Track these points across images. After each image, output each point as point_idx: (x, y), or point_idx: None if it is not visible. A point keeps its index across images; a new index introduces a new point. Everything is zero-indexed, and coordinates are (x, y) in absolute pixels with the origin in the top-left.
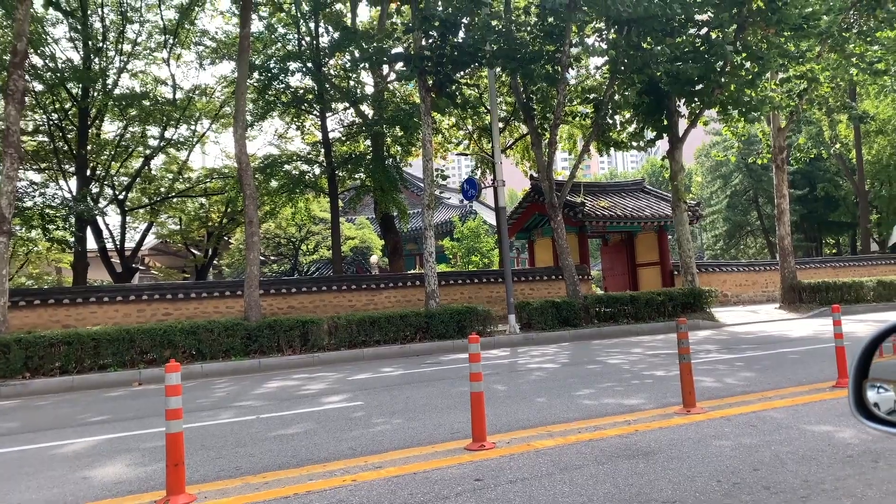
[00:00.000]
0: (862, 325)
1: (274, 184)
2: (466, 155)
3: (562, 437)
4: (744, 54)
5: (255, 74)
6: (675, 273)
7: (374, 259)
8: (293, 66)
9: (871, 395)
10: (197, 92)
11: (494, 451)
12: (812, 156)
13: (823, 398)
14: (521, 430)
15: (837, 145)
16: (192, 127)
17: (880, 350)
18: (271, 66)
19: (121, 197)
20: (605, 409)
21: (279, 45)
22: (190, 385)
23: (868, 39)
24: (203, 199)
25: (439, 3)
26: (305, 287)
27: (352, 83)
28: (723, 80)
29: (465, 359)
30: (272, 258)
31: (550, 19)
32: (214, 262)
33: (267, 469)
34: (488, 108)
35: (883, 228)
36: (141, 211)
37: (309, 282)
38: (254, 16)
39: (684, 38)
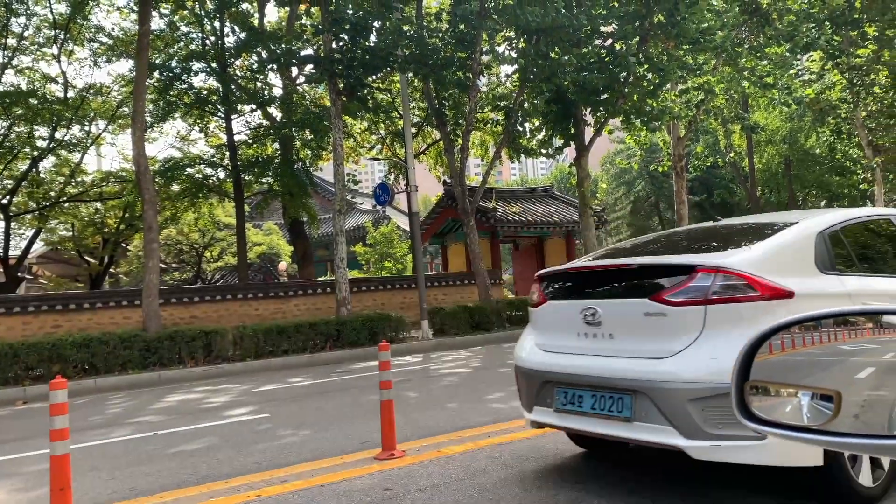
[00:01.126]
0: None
1: (175, 188)
2: (379, 160)
3: (472, 441)
4: (646, 66)
5: (156, 74)
6: None
7: (282, 266)
8: (196, 66)
9: (753, 397)
10: (92, 91)
11: (404, 459)
12: (709, 164)
13: None
14: (432, 437)
15: (732, 154)
16: (87, 128)
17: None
18: (173, 65)
19: (4, 201)
20: (515, 411)
21: (181, 43)
22: (82, 402)
23: (758, 55)
24: (98, 204)
25: (350, 5)
26: (209, 296)
27: (259, 85)
28: (626, 90)
29: (377, 366)
30: (174, 266)
31: (462, 26)
32: (111, 270)
33: (165, 488)
34: (401, 112)
35: None
36: (28, 216)
37: (213, 290)
38: (154, 13)
39: (590, 48)
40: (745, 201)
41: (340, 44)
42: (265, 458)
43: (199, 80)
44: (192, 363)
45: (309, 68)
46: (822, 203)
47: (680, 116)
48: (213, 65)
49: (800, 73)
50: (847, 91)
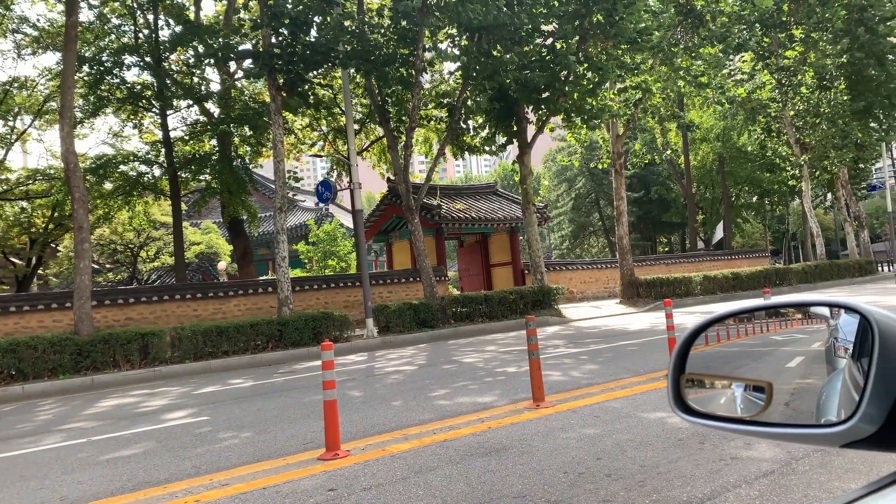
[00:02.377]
0: (691, 316)
1: (108, 186)
2: (321, 156)
3: (417, 439)
4: (585, 65)
5: (86, 67)
6: (526, 272)
7: (222, 265)
8: (129, 59)
9: (688, 390)
10: (16, 85)
11: (349, 458)
12: (647, 161)
13: (658, 387)
14: (376, 436)
15: (668, 151)
16: (10, 123)
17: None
18: (104, 59)
19: None
20: (460, 408)
21: (113, 36)
22: (9, 409)
23: (693, 55)
24: (25, 203)
25: (289, 0)
26: (145, 297)
27: (196, 80)
28: (567, 88)
29: (320, 366)
30: (107, 266)
31: (404, 22)
32: (39, 271)
33: (98, 496)
34: (343, 109)
35: (707, 228)
36: None
37: (149, 291)
38: (83, 4)
39: (532, 47)
40: (682, 197)
41: (280, 38)
42: (205, 461)
43: (132, 75)
44: (128, 366)
45: (247, 63)
46: (754, 199)
47: (618, 115)
48: (147, 59)
49: (732, 73)
50: (776, 91)
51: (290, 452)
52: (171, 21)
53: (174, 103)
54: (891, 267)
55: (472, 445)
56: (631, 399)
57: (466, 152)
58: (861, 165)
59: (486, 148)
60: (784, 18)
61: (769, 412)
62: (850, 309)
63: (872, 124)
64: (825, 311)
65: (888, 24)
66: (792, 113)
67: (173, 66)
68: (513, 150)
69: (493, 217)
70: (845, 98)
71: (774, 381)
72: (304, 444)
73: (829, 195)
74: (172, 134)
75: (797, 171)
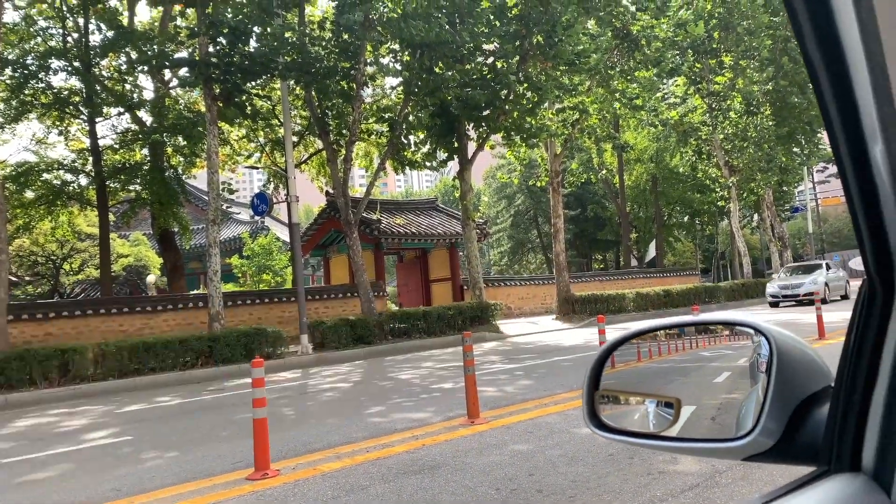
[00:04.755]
0: (623, 332)
1: (30, 194)
2: (257, 168)
3: (350, 458)
4: (525, 84)
5: (8, 70)
6: (465, 288)
7: (151, 279)
8: (56, 63)
9: (604, 406)
10: None
11: (278, 478)
12: (583, 180)
13: None
14: (308, 455)
15: (604, 171)
16: None
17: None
18: (28, 62)
19: None
20: (394, 425)
21: (39, 39)
22: None
23: (629, 78)
24: None
25: (228, 9)
26: (67, 311)
27: (128, 87)
28: (507, 107)
29: (251, 383)
30: (27, 279)
31: (346, 36)
32: None
33: None
34: (282, 120)
35: (641, 246)
36: None
37: (71, 305)
38: (7, 4)
39: (473, 65)
40: (617, 216)
41: (218, 48)
42: (126, 483)
43: (59, 80)
44: (47, 384)
45: (183, 71)
46: (685, 218)
47: (556, 134)
48: (76, 63)
49: (665, 96)
50: (707, 115)
51: (218, 472)
52: (102, 26)
53: (104, 110)
54: None
55: (405, 463)
56: (564, 415)
57: (407, 167)
58: (785, 188)
59: (427, 163)
60: (715, 46)
61: (677, 427)
62: (753, 328)
63: (795, 149)
64: (747, 329)
65: None
66: (721, 136)
67: (104, 73)
68: (454, 166)
69: (434, 233)
70: (771, 123)
71: (698, 408)
72: (232, 463)
73: (756, 216)
74: (101, 142)
75: (726, 193)
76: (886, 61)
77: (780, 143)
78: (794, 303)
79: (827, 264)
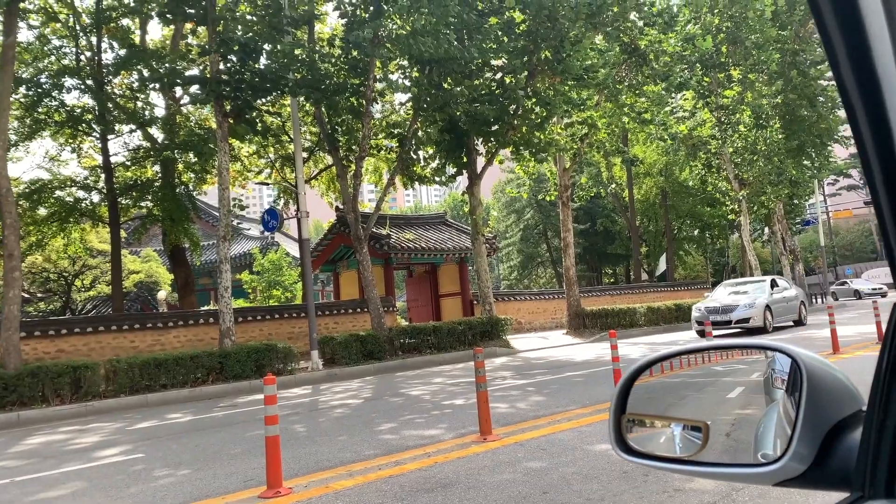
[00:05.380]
0: (635, 347)
1: (43, 211)
2: (268, 184)
3: (362, 475)
4: (534, 99)
5: (22, 89)
6: (475, 302)
7: (162, 295)
8: (70, 82)
9: (630, 430)
10: None
11: (290, 496)
12: (592, 194)
13: (604, 418)
14: (320, 472)
15: (613, 185)
16: None
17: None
18: (42, 80)
19: None
20: (406, 442)
21: (52, 58)
22: None
23: (637, 92)
24: None
25: (239, 27)
26: (79, 327)
27: (140, 104)
28: (516, 122)
29: (263, 400)
30: (39, 295)
31: (355, 53)
32: None
33: None
34: (291, 136)
35: (651, 260)
36: None
37: (83, 321)
38: (22, 24)
39: (482, 81)
40: (626, 230)
41: (228, 65)
42: (139, 501)
43: (72, 98)
44: (58, 401)
45: (194, 89)
46: (696, 232)
47: (565, 149)
48: (89, 81)
49: (674, 110)
50: (716, 128)
51: (230, 491)
52: (115, 44)
53: (116, 128)
54: (823, 299)
55: (417, 481)
56: (577, 431)
57: (416, 182)
58: (795, 201)
59: (437, 178)
60: (723, 59)
61: (706, 452)
62: (781, 352)
63: (805, 162)
64: (778, 353)
65: (818, 67)
66: (731, 150)
67: (116, 90)
68: (463, 180)
69: (443, 247)
70: (780, 137)
71: (712, 420)
72: (244, 481)
73: (766, 229)
74: (113, 159)
75: (736, 206)
76: None
77: (790, 157)
78: (726, 331)
79: (774, 280)
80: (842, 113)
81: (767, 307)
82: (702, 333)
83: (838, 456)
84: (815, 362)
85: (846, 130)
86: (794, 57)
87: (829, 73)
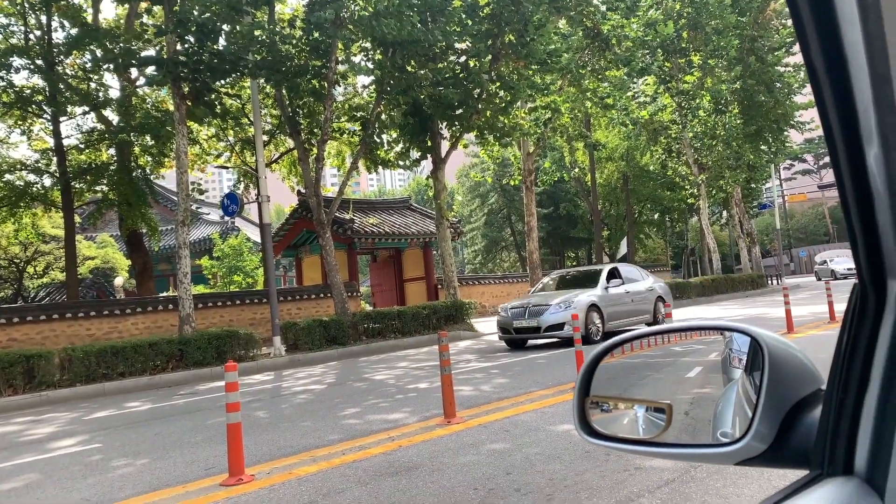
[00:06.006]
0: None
1: None
2: (227, 168)
3: (326, 461)
4: (498, 83)
5: None
6: (439, 287)
7: (119, 281)
8: (18, 62)
9: (593, 411)
10: None
11: (253, 483)
12: (556, 178)
13: (566, 399)
14: (283, 459)
15: (576, 170)
16: None
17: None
18: None
19: None
20: (370, 427)
21: (0, 37)
22: None
23: (600, 77)
24: None
25: (196, 7)
26: (32, 315)
27: (93, 85)
28: (480, 106)
29: (224, 387)
30: None
31: (316, 34)
32: None
33: None
34: (252, 119)
35: (612, 243)
36: None
37: (36, 309)
38: None
39: (446, 64)
40: (588, 214)
41: (186, 46)
42: (96, 492)
43: (20, 78)
44: (11, 392)
45: (151, 70)
46: (656, 215)
47: (529, 133)
48: (39, 62)
49: (636, 95)
50: (676, 113)
51: (191, 479)
52: (66, 23)
53: (68, 109)
54: (779, 281)
55: (382, 465)
56: (540, 412)
57: (380, 166)
58: (753, 185)
59: (401, 162)
60: (684, 45)
61: (668, 433)
62: (743, 333)
63: (763, 147)
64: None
65: (776, 53)
66: (691, 135)
67: (68, 71)
68: (427, 165)
69: (407, 232)
70: (738, 122)
71: (674, 400)
72: (206, 469)
73: (725, 213)
74: (66, 142)
75: (695, 190)
76: (890, 70)
77: (748, 141)
78: (539, 341)
79: (615, 270)
80: (798, 98)
81: (594, 307)
82: (511, 343)
83: (798, 435)
84: (776, 342)
85: (802, 115)
86: (752, 43)
87: (787, 60)
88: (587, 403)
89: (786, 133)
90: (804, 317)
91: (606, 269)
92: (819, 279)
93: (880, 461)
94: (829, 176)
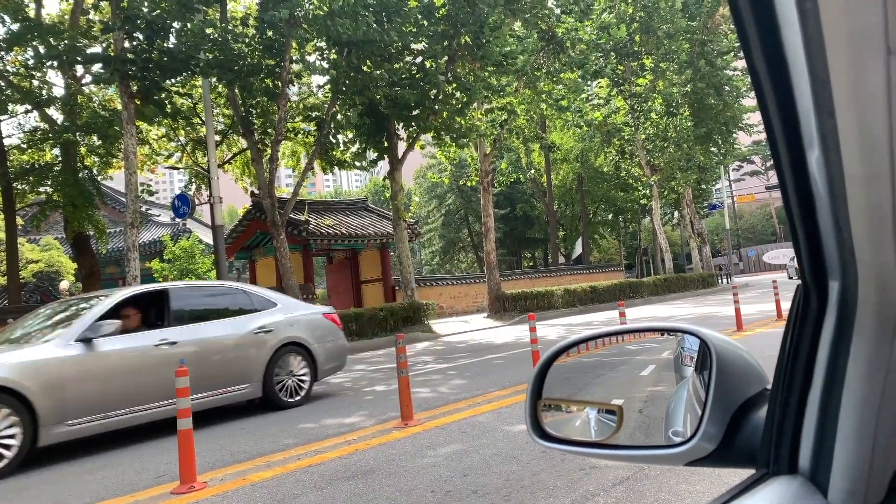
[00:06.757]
0: (553, 329)
1: None
2: (178, 168)
3: (281, 466)
4: (454, 84)
5: None
6: (397, 288)
7: (64, 285)
8: None
9: (545, 414)
10: None
11: (206, 490)
12: (512, 179)
13: (522, 399)
14: (237, 465)
15: (532, 171)
16: None
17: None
18: None
19: None
20: (326, 431)
21: None
22: None
23: (554, 79)
24: None
25: (145, 3)
26: None
27: (36, 83)
28: (437, 107)
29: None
30: None
31: (270, 33)
32: None
33: None
34: (203, 119)
35: (568, 243)
36: None
37: None
38: None
39: (402, 64)
40: (545, 214)
41: (134, 43)
42: (39, 503)
43: None
44: None
45: (97, 67)
46: (610, 216)
47: (486, 134)
48: None
49: (590, 97)
50: (629, 116)
51: (140, 488)
52: (6, 17)
53: (9, 108)
54: (728, 279)
55: (338, 469)
56: (497, 413)
57: (336, 167)
58: (703, 186)
59: (357, 163)
60: (636, 48)
61: (620, 434)
62: (691, 334)
63: (713, 149)
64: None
65: (724, 58)
66: (643, 136)
67: (9, 68)
68: (384, 165)
69: (364, 233)
70: (689, 124)
71: (626, 399)
72: (155, 477)
73: (676, 213)
74: (7, 141)
75: (648, 191)
76: (829, 73)
77: (699, 143)
78: None
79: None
80: (745, 102)
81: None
82: None
83: (745, 434)
84: (723, 343)
85: (750, 118)
86: (702, 47)
87: (735, 64)
88: (539, 406)
89: (734, 135)
90: (753, 315)
91: (99, 300)
92: (791, 277)
93: (823, 459)
94: (775, 178)
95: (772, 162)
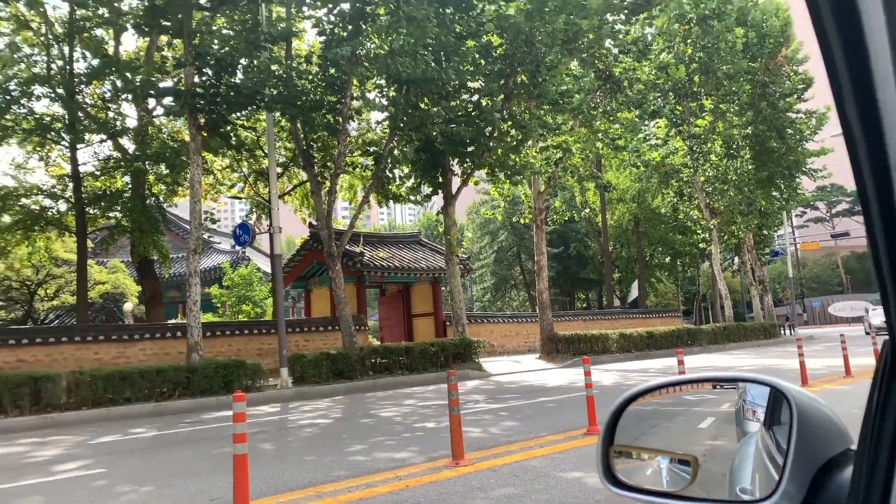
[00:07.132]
0: (608, 374)
1: (7, 219)
2: (240, 198)
3: (331, 497)
4: (510, 122)
5: None
6: (448, 323)
7: (128, 307)
8: (40, 90)
9: (616, 461)
10: None
11: None
12: (566, 218)
13: (577, 445)
14: (288, 493)
15: (587, 210)
16: None
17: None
18: (11, 87)
19: None
20: (376, 465)
21: (23, 65)
22: None
23: (611, 118)
24: None
25: (215, 41)
26: (41, 337)
27: (111, 114)
28: (491, 143)
29: (230, 416)
30: (0, 304)
31: (332, 70)
32: None
33: None
34: (266, 151)
35: (623, 286)
36: None
37: (46, 331)
38: None
39: (458, 102)
40: (599, 255)
41: (203, 78)
42: None
43: (41, 106)
44: (17, 412)
45: (168, 101)
46: (667, 259)
47: (540, 172)
48: (59, 90)
49: (647, 137)
50: (688, 157)
51: None
52: (87, 54)
53: (86, 137)
54: (791, 331)
55: None
56: (550, 458)
57: (391, 201)
58: (765, 231)
59: (412, 197)
60: (695, 89)
61: (695, 487)
62: (772, 387)
63: (774, 193)
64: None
65: (787, 100)
66: (702, 178)
67: (88, 100)
68: (437, 200)
69: (416, 267)
70: (750, 167)
71: (698, 454)
72: (209, 500)
73: (737, 259)
74: (82, 168)
75: (707, 235)
76: None
77: (760, 187)
78: None
79: None
80: (809, 145)
81: None
82: None
83: (828, 496)
84: (804, 398)
85: (814, 163)
86: (763, 89)
87: (798, 106)
88: (611, 453)
89: (798, 179)
90: (819, 370)
91: None
92: (868, 333)
93: None
94: (841, 224)
95: (837, 208)
